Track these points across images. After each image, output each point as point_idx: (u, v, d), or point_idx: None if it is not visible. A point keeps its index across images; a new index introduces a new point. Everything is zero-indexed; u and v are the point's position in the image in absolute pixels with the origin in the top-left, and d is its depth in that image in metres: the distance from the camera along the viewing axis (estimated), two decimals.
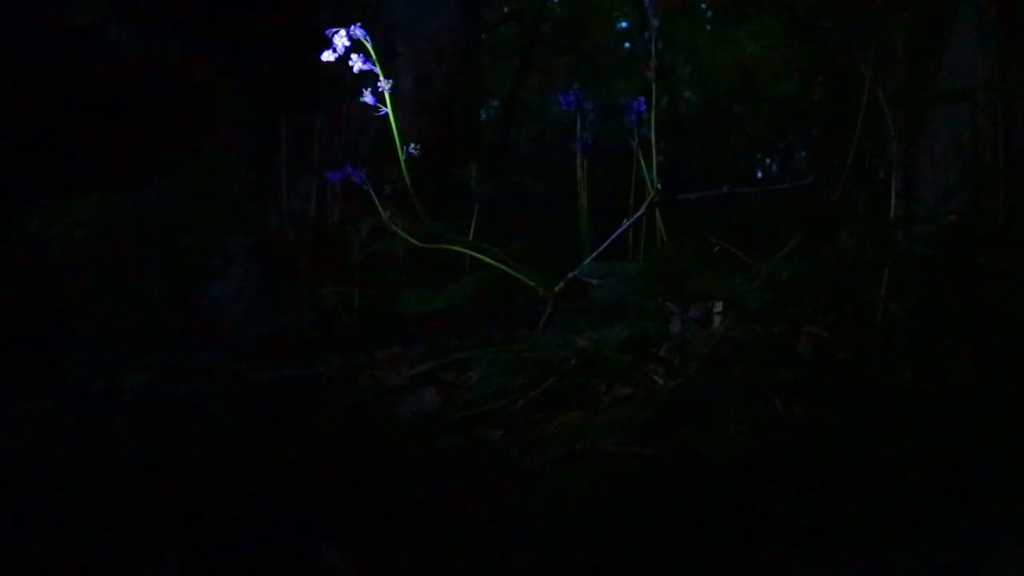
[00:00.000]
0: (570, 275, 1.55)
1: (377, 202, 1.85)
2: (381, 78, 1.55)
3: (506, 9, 9.17)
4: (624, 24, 9.85)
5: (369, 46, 1.48)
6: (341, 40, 1.46)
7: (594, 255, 1.70)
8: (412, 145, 1.65)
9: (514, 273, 1.68)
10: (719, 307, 1.40)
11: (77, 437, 1.25)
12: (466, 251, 1.90)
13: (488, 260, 1.85)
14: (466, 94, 3.02)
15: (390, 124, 2.02)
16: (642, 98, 2.02)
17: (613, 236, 1.64)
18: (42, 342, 1.16)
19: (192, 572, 0.77)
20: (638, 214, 1.72)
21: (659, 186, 1.83)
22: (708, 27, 8.91)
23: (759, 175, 8.27)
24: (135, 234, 2.97)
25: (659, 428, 0.95)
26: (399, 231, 1.85)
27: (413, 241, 1.85)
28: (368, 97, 1.68)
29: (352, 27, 1.45)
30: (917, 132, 2.55)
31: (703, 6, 8.92)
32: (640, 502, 0.77)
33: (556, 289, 1.56)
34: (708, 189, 1.64)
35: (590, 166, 2.11)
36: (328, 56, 1.45)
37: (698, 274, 1.18)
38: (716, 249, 1.45)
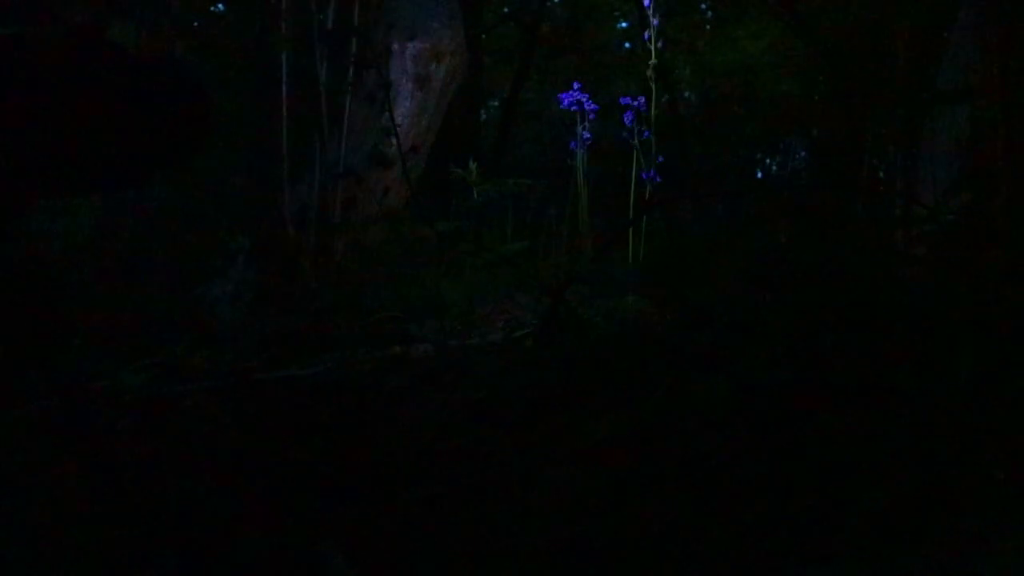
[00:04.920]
0: (570, 275, 1.55)
1: (378, 202, 1.85)
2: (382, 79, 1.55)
3: (506, 9, 9.18)
4: (624, 24, 9.86)
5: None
6: None
7: (594, 255, 1.70)
8: (412, 145, 1.65)
9: (514, 273, 1.68)
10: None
11: (77, 437, 1.25)
12: (466, 250, 1.90)
13: (488, 259, 1.85)
14: (466, 94, 3.02)
15: (391, 124, 2.02)
16: (642, 98, 2.03)
17: (613, 236, 1.64)
18: (42, 342, 1.16)
19: (192, 572, 0.77)
20: (638, 214, 1.72)
21: (658, 186, 1.83)
22: (708, 27, 8.91)
23: (759, 175, 8.26)
24: (135, 233, 2.96)
25: (659, 428, 0.95)
26: (400, 231, 1.86)
27: (413, 241, 1.85)
28: (368, 97, 1.68)
29: None
30: (917, 132, 2.55)
31: (703, 6, 8.92)
32: (640, 502, 0.77)
33: (556, 289, 1.55)
34: (708, 189, 1.64)
35: (590, 166, 2.11)
36: None
37: (697, 273, 1.18)
38: (714, 248, 1.45)
